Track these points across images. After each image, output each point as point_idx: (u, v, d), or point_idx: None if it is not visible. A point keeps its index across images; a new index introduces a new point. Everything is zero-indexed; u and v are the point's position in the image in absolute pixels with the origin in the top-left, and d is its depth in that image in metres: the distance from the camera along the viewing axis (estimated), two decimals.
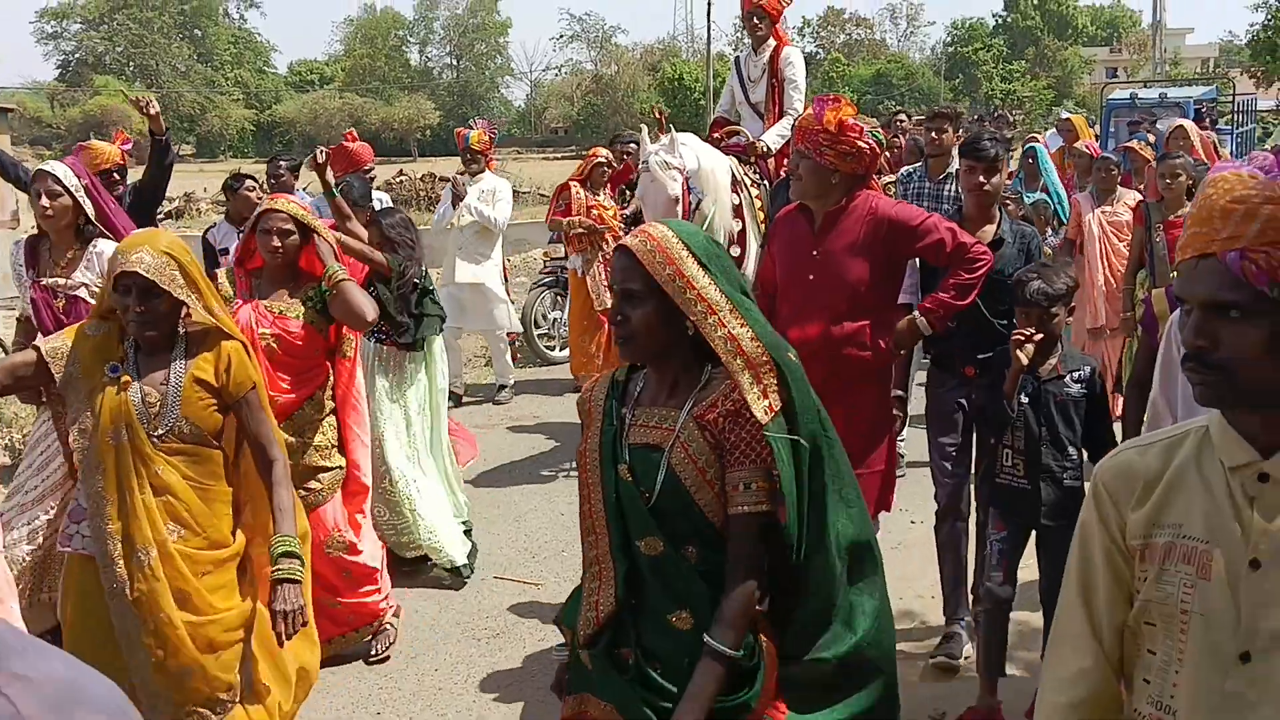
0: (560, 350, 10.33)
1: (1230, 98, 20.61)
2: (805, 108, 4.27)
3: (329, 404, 4.53)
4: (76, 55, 68.44)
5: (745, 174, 6.37)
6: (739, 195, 6.12)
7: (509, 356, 9.32)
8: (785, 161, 6.45)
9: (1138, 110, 15.47)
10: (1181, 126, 8.13)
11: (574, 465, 4.14)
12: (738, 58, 7.40)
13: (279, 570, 3.22)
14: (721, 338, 2.35)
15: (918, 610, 5.11)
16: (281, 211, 4.29)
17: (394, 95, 67.14)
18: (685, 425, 2.39)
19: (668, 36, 73.15)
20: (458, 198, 8.64)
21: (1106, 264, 7.63)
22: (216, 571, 3.33)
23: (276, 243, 4.26)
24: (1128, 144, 10.19)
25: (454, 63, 76.56)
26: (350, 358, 4.63)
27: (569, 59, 73.73)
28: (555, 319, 10.40)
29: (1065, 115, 12.49)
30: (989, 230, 4.54)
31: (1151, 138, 10.69)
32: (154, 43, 66.49)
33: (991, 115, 18.73)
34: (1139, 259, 6.83)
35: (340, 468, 4.56)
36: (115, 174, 6.41)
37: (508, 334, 9.25)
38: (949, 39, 72.61)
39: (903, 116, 11.18)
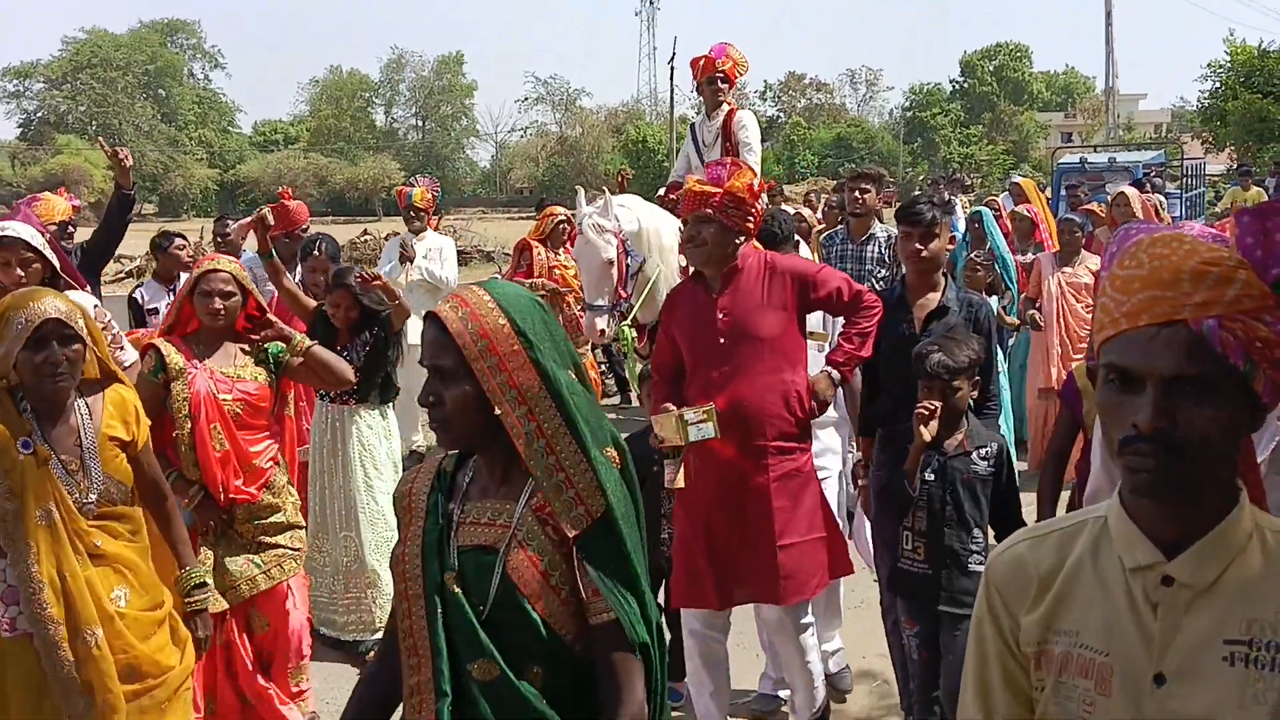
0: None
1: (1179, 162, 21.03)
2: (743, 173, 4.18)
3: (284, 464, 4.44)
4: (39, 114, 68.24)
5: None
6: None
7: None
8: None
9: (1087, 174, 15.77)
10: (1124, 193, 8.28)
11: None
12: (692, 124, 7.45)
13: (195, 601, 3.40)
14: (529, 433, 1.99)
15: (877, 669, 5.13)
16: (222, 271, 4.13)
17: (359, 155, 67.27)
18: (523, 520, 2.03)
19: (631, 100, 73.79)
20: (406, 258, 8.56)
21: (1063, 325, 7.72)
22: (159, 631, 3.27)
23: (218, 304, 4.10)
24: (1088, 206, 10.38)
25: (419, 124, 76.92)
26: (292, 416, 4.59)
27: (534, 121, 74.11)
28: None
29: (1016, 179, 12.71)
30: (932, 298, 4.36)
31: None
32: (117, 102, 66.36)
33: (949, 177, 19.07)
34: None
35: (304, 525, 4.51)
36: (70, 225, 6.37)
37: None
38: (907, 104, 73.71)
39: None
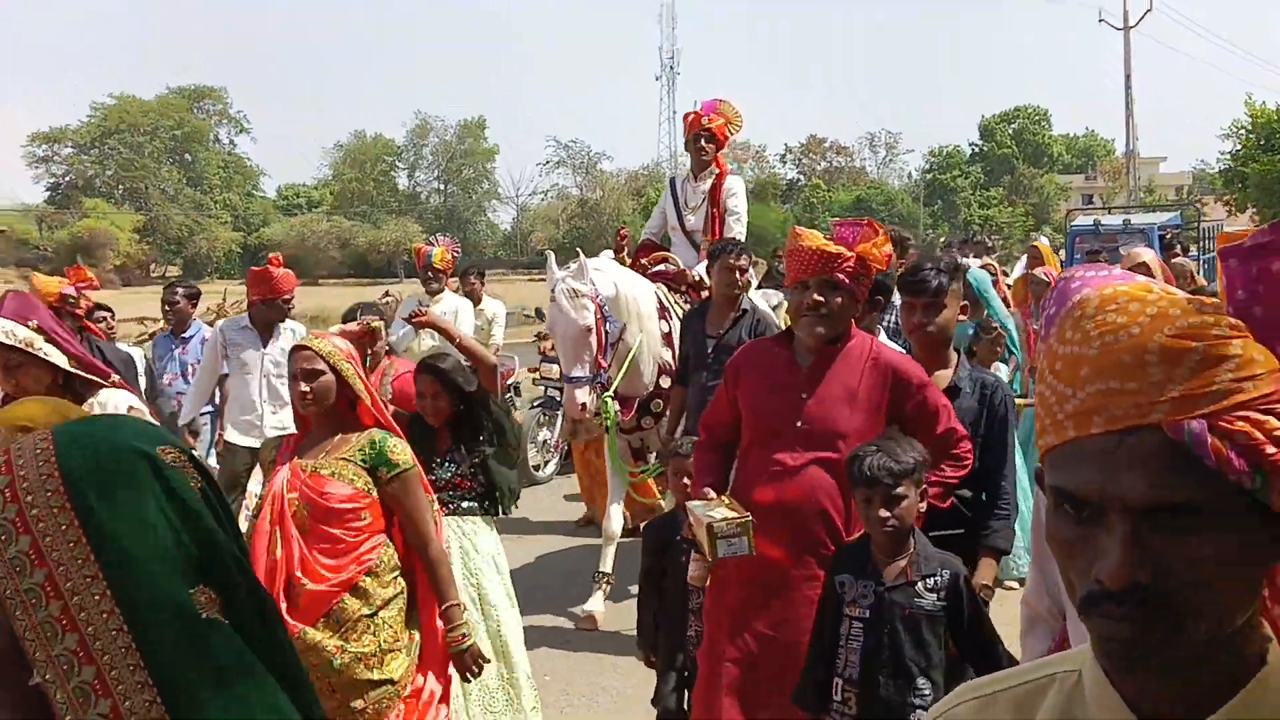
0: (545, 469, 10.51)
1: (1196, 224, 20.96)
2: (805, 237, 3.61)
3: (385, 593, 3.51)
4: (67, 178, 69.23)
5: (675, 302, 6.05)
6: (669, 323, 5.75)
7: None
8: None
9: (1101, 237, 15.67)
10: (1145, 264, 7.92)
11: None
12: (673, 180, 7.12)
13: None
14: (76, 690, 1.06)
15: None
16: (307, 349, 3.58)
17: (382, 219, 68.01)
18: None
19: (652, 163, 74.20)
20: None
21: None
22: None
23: (304, 387, 3.53)
24: None
25: (441, 187, 77.73)
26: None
27: (555, 184, 74.62)
28: (545, 439, 10.45)
29: (1033, 242, 12.67)
30: (943, 376, 3.83)
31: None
32: (144, 167, 67.26)
33: (968, 239, 18.99)
34: None
35: (392, 682, 3.45)
36: (70, 301, 6.39)
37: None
38: (927, 166, 74.02)
39: None
